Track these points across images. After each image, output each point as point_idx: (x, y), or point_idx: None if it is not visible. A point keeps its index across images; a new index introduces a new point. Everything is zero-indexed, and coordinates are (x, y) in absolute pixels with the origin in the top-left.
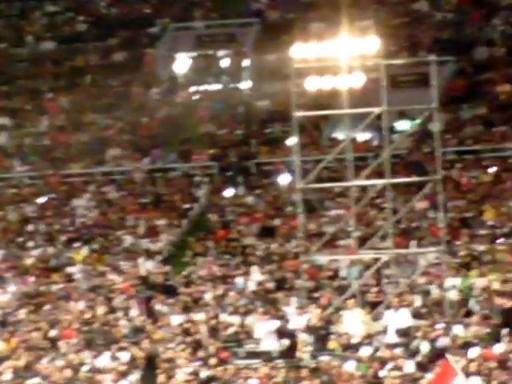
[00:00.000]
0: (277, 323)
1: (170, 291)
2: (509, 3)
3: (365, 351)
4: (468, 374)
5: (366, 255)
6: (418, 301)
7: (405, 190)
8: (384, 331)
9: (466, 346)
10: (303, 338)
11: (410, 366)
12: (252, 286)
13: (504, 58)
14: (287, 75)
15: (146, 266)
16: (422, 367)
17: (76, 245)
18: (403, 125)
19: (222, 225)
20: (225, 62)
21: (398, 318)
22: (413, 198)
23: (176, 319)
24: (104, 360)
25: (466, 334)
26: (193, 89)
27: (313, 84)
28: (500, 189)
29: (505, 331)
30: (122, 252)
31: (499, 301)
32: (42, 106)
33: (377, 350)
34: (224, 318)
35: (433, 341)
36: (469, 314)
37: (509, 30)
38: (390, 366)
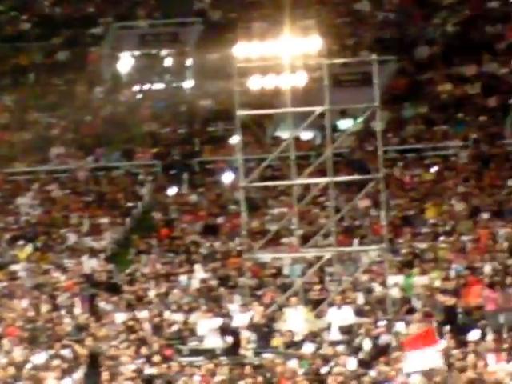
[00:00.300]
0: (220, 321)
1: (113, 289)
2: (449, 3)
3: (308, 348)
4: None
5: (309, 253)
6: (360, 298)
7: (347, 189)
8: (327, 329)
9: None
10: (246, 335)
11: (352, 363)
12: (195, 284)
13: (445, 58)
14: (230, 74)
15: (90, 264)
16: (365, 364)
17: (20, 243)
18: (345, 123)
19: (166, 223)
20: (168, 61)
21: (340, 316)
22: (355, 196)
23: (120, 317)
24: (47, 358)
25: (408, 331)
26: (136, 88)
27: (256, 83)
28: (441, 187)
29: (446, 328)
30: (66, 250)
31: (442, 298)
32: None
33: (320, 347)
34: (168, 315)
35: (375, 338)
36: (411, 311)
37: (449, 29)
38: (332, 363)
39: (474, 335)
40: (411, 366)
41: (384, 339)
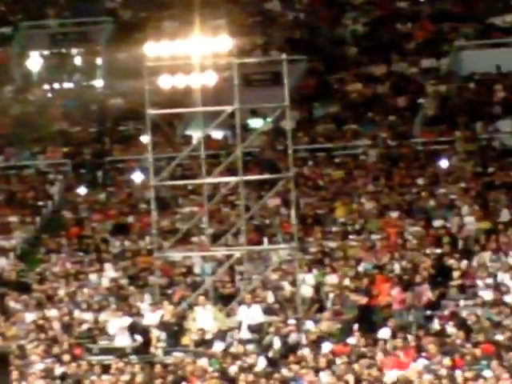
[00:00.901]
0: (130, 319)
1: (23, 288)
2: (359, 3)
3: (218, 347)
4: (318, 370)
5: (219, 252)
6: (270, 297)
7: (257, 188)
8: (237, 327)
9: (318, 341)
10: (157, 334)
11: (262, 362)
12: (106, 283)
13: (354, 57)
14: (140, 73)
15: (0, 263)
16: (274, 363)
17: None
18: (256, 123)
19: (76, 222)
20: (78, 60)
21: (250, 314)
22: (265, 195)
23: (29, 316)
24: None
25: (318, 329)
26: (46, 87)
27: (166, 82)
28: (351, 186)
29: (356, 326)
30: None
31: (354, 297)
32: None
33: (230, 345)
34: (78, 314)
35: (285, 336)
36: (321, 309)
37: (360, 29)
38: (242, 361)
39: (383, 333)
40: None
41: (294, 338)
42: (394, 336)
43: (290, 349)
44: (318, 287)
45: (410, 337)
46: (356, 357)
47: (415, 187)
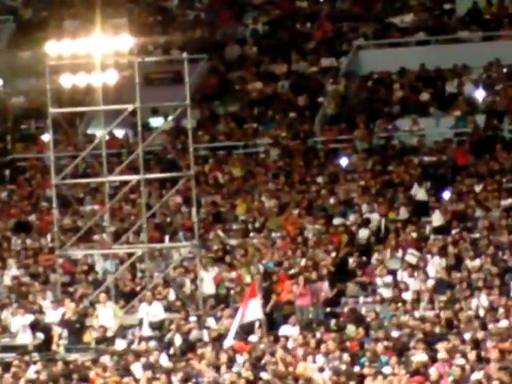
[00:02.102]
0: (32, 317)
1: None
2: (259, 3)
3: (119, 344)
4: (219, 366)
5: (121, 250)
6: (171, 294)
7: (159, 186)
8: (138, 324)
9: (219, 338)
10: (58, 331)
11: (163, 359)
12: (7, 281)
13: (255, 57)
14: (42, 72)
15: None
16: (175, 359)
17: None
18: (157, 121)
19: None
20: None
21: (152, 312)
22: (166, 193)
23: None
24: None
25: (219, 326)
26: None
27: (67, 81)
28: (252, 184)
29: (257, 324)
30: None
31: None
32: None
33: (131, 343)
34: None
35: (186, 333)
36: (222, 306)
37: (260, 29)
38: (144, 358)
39: (284, 330)
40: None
41: (194, 334)
42: (295, 333)
43: (191, 346)
44: (218, 284)
45: (310, 334)
46: (257, 354)
47: (315, 185)
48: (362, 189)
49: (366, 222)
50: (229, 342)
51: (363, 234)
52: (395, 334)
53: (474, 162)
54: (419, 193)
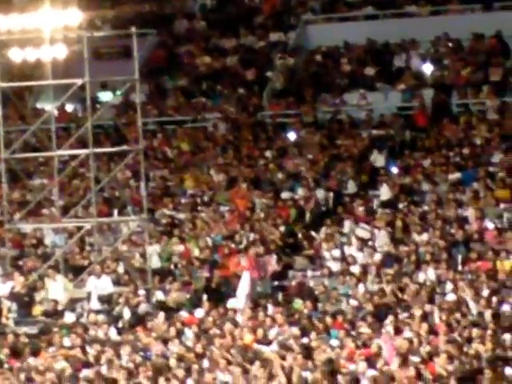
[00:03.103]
0: None
1: None
2: None
3: (68, 318)
4: (167, 340)
5: (70, 223)
6: (120, 268)
7: (107, 160)
8: (87, 298)
9: (168, 311)
10: (7, 304)
11: (112, 332)
12: None
13: (203, 31)
14: None
15: None
16: (124, 332)
17: None
18: (106, 96)
19: None
20: None
21: (100, 285)
22: (115, 167)
23: None
24: None
25: (167, 299)
26: None
27: (16, 55)
28: (200, 158)
29: (205, 297)
30: None
31: (200, 268)
32: None
33: (80, 316)
34: None
35: (135, 307)
36: (170, 280)
37: (208, 3)
38: (93, 331)
39: (232, 304)
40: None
41: (143, 308)
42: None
43: (139, 319)
44: (167, 258)
45: (258, 307)
46: (205, 327)
47: (263, 159)
48: (309, 163)
49: (314, 196)
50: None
51: (310, 207)
52: (343, 307)
53: (422, 136)
54: (378, 159)
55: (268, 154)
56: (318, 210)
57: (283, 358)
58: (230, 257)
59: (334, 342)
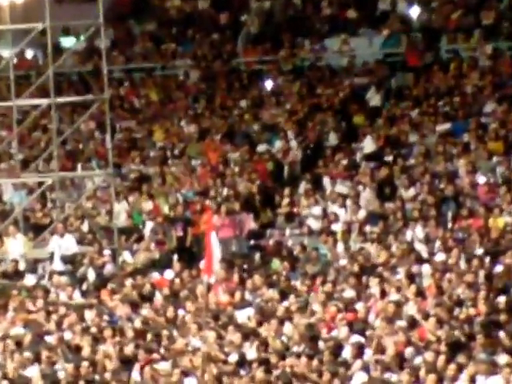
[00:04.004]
0: None
1: None
2: None
3: (29, 279)
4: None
5: (30, 179)
6: (84, 226)
7: (70, 111)
8: (49, 258)
9: (136, 272)
10: None
11: (76, 295)
12: None
13: None
14: None
15: None
16: (89, 294)
17: None
18: (68, 41)
19: None
20: None
21: (63, 245)
22: (79, 118)
23: None
24: None
25: (135, 260)
26: None
27: None
28: (170, 108)
29: (175, 257)
30: None
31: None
32: None
33: (42, 278)
34: None
35: (100, 268)
36: (138, 239)
37: None
38: (55, 294)
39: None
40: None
41: (109, 269)
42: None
43: (105, 281)
44: (135, 216)
45: (234, 268)
46: (176, 289)
47: (238, 110)
48: (288, 113)
49: (291, 149)
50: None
51: (288, 161)
52: (323, 268)
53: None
54: (374, 98)
55: (243, 103)
56: (296, 164)
57: (260, 323)
58: (202, 214)
59: (315, 306)
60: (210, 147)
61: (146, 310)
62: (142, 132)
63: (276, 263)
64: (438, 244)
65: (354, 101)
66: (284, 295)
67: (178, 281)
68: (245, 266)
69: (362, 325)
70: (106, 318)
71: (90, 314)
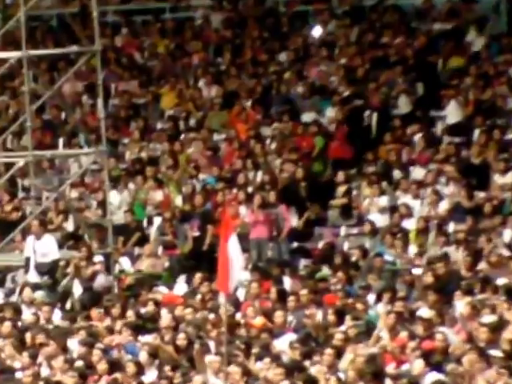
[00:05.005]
0: None
1: None
2: None
3: None
4: (138, 328)
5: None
6: (69, 224)
7: (49, 67)
8: (23, 266)
9: (137, 286)
10: None
11: (57, 315)
12: None
13: None
14: None
15: None
16: (74, 315)
17: None
18: None
19: None
20: None
21: (40, 248)
22: (60, 78)
23: None
24: None
25: (137, 269)
26: None
27: None
28: (183, 64)
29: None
30: None
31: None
32: None
33: (11, 292)
34: None
35: (89, 280)
36: (141, 241)
37: None
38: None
39: None
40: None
41: (101, 281)
42: (246, 279)
43: (96, 297)
44: (137, 208)
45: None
46: (192, 309)
47: (275, 66)
48: (343, 70)
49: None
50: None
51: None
52: (390, 279)
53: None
54: (477, 41)
55: (282, 57)
56: (354, 138)
57: (306, 354)
58: (226, 206)
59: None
60: (238, 117)
61: (150, 337)
62: (145, 96)
63: (327, 273)
64: None
65: (432, 51)
66: (338, 317)
67: (193, 297)
68: (285, 277)
69: (442, 357)
70: (97, 347)
71: (75, 343)
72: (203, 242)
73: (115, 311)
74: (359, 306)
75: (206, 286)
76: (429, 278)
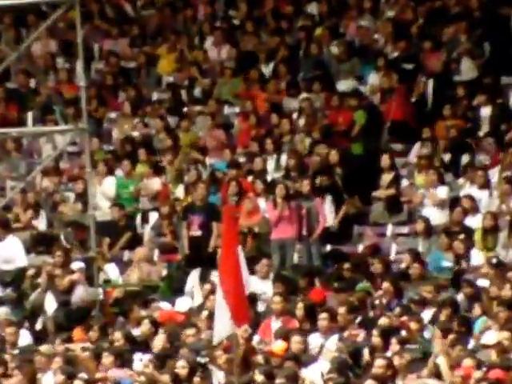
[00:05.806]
0: None
1: None
2: None
3: None
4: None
5: None
6: (40, 221)
7: (14, 21)
8: None
9: (127, 299)
10: None
11: (25, 337)
12: None
13: None
14: None
15: None
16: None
17: None
18: None
19: None
20: None
21: (4, 252)
22: (30, 34)
23: None
24: None
25: (127, 278)
26: None
27: None
28: (185, 16)
29: (196, 272)
30: None
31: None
32: None
33: None
34: None
35: (66, 292)
36: (132, 243)
37: None
38: None
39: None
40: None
41: (80, 294)
42: (267, 290)
43: (74, 315)
44: (126, 202)
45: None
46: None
47: (302, 20)
48: (391, 25)
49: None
50: None
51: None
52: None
53: None
54: None
55: (312, 9)
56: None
57: None
58: (242, 198)
59: (438, 358)
60: (255, 85)
61: (143, 365)
62: (137, 58)
63: (367, 284)
64: None
65: (503, 2)
66: (385, 339)
67: (199, 314)
68: (316, 288)
69: None
70: (79, 377)
71: (49, 375)
72: (206, 243)
73: (93, 334)
74: (412, 324)
75: (213, 301)
76: (501, 291)
